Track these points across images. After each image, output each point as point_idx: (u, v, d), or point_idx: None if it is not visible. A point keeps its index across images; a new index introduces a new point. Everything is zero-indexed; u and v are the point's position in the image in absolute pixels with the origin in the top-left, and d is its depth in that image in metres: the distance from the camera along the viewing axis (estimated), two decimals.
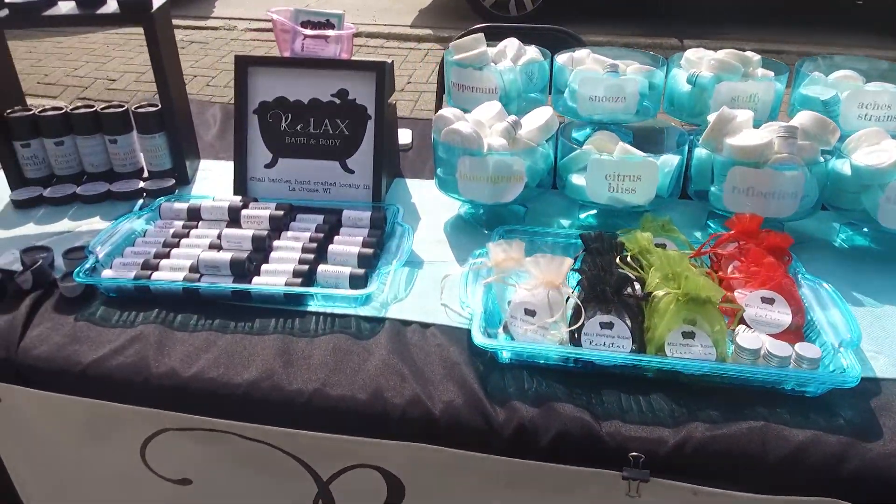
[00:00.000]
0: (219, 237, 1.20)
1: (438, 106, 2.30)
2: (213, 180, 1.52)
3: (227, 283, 1.09)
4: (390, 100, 1.39)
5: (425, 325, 1.04)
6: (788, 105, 1.46)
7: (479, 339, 0.93)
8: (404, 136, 1.71)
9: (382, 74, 1.31)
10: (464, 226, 1.34)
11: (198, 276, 1.10)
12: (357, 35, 5.84)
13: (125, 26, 1.33)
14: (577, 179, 1.26)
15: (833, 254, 1.24)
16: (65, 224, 1.32)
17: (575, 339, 0.94)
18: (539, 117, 1.28)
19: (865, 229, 1.24)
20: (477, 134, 1.21)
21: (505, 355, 0.96)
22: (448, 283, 1.11)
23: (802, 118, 1.23)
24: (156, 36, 1.32)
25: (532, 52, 1.50)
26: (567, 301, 0.98)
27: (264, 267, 1.13)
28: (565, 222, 1.35)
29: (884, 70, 1.42)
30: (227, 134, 1.77)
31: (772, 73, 1.41)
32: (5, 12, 1.28)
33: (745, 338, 0.91)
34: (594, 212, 1.34)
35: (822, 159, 1.19)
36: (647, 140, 1.39)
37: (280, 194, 1.37)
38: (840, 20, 5.84)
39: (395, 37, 5.73)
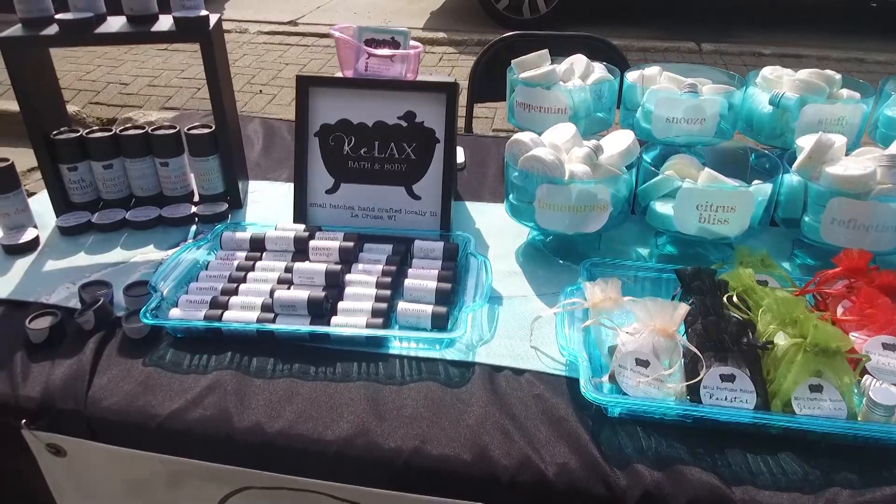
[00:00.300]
0: (286, 270, 1.13)
1: (469, 120, 2.21)
2: (265, 203, 1.45)
3: (304, 324, 1.02)
4: None
5: (518, 372, 0.98)
6: (870, 125, 1.39)
7: (590, 392, 0.86)
8: (458, 154, 1.65)
9: (454, 95, 1.24)
10: (535, 254, 1.28)
11: (272, 315, 1.03)
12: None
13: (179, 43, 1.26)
14: (661, 207, 1.19)
15: None
16: (118, 254, 1.25)
17: (692, 392, 0.88)
18: (620, 141, 1.21)
19: None
20: (559, 161, 1.14)
21: (615, 410, 0.89)
22: (537, 323, 1.05)
23: None
24: (213, 54, 1.25)
25: (600, 69, 1.43)
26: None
27: (341, 305, 1.06)
28: (642, 250, 1.29)
29: None
30: (271, 151, 1.70)
31: (856, 94, 1.35)
32: (54, 30, 1.21)
33: (879, 392, 0.84)
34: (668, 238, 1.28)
35: None
36: (722, 162, 1.32)
37: (342, 221, 1.30)
38: (857, 23, 5.78)
39: None
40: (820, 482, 0.80)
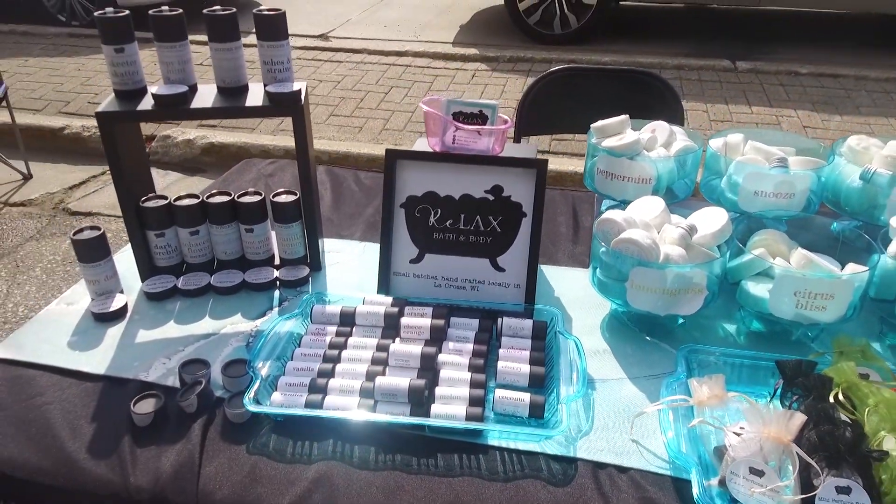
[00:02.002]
0: (379, 349, 1.14)
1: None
2: (344, 266, 1.45)
3: (404, 410, 1.03)
4: None
5: (622, 469, 0.97)
6: None
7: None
8: None
9: (544, 172, 1.24)
10: (621, 329, 1.27)
11: (372, 401, 1.04)
12: (402, 54, 5.81)
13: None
14: (754, 289, 1.18)
15: None
16: (207, 323, 1.26)
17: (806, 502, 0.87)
18: (714, 221, 1.21)
19: None
20: (655, 244, 1.14)
21: None
22: (633, 409, 1.05)
23: None
24: (304, 126, 1.26)
25: (681, 136, 1.43)
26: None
27: (438, 391, 1.06)
28: (727, 325, 1.28)
29: None
30: (341, 205, 1.71)
31: None
32: (149, 103, 1.23)
33: None
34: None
35: None
36: (802, 231, 1.32)
37: (425, 291, 1.31)
38: (891, 41, 5.71)
39: (440, 56, 5.65)
40: None
